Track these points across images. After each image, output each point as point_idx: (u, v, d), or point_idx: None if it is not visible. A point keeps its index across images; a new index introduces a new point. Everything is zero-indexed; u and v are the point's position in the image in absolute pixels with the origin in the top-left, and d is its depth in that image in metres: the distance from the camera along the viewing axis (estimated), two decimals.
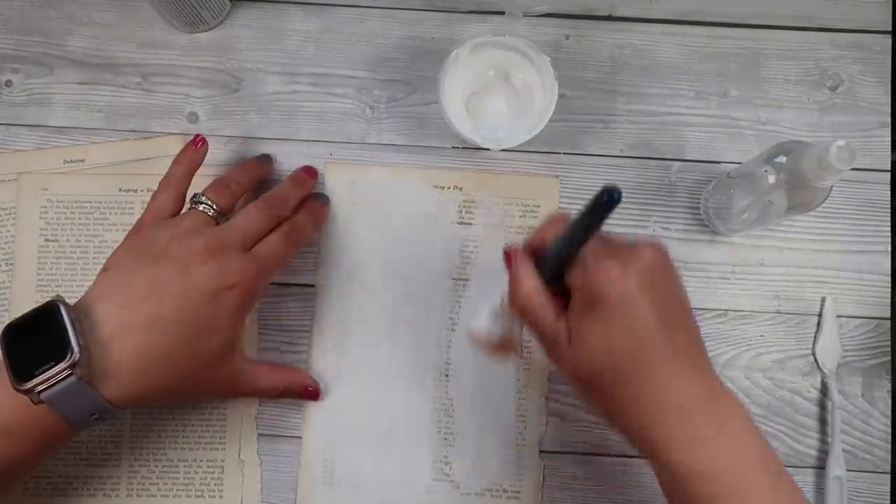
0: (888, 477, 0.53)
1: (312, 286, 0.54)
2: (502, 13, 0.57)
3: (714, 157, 0.56)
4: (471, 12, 0.57)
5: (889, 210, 0.55)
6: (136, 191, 0.54)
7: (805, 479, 0.53)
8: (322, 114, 0.56)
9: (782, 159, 0.45)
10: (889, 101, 0.57)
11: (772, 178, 0.45)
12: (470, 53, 0.46)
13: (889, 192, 0.56)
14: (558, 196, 0.55)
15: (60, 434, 0.40)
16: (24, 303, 0.53)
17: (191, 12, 0.54)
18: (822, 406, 0.53)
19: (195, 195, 0.47)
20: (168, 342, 0.41)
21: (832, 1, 0.58)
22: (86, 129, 0.56)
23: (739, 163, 0.55)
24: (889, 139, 0.56)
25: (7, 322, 0.40)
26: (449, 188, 0.55)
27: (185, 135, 0.55)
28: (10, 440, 0.39)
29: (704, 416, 0.36)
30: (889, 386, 0.54)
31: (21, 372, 0.38)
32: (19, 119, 0.56)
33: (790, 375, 0.54)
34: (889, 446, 0.53)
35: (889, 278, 0.55)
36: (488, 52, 0.48)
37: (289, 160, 0.55)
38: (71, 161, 0.55)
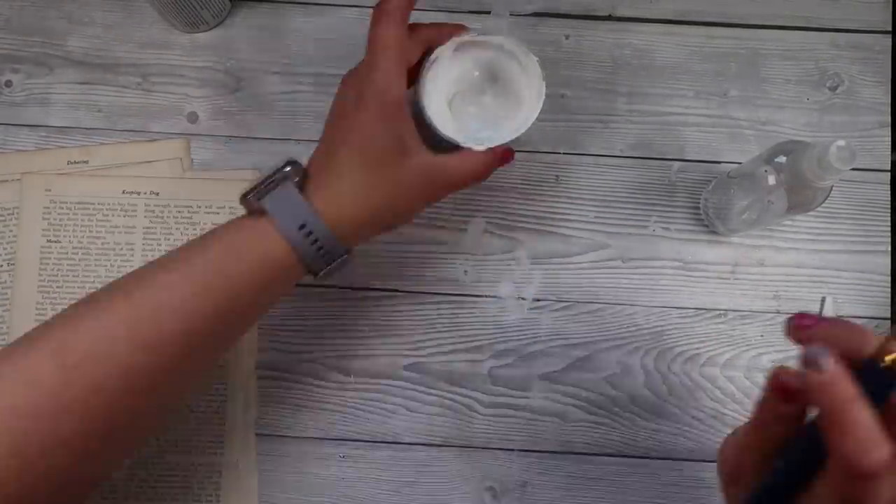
0: None
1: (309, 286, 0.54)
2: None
3: (714, 157, 0.56)
4: (471, 12, 0.57)
5: (889, 210, 0.56)
6: (139, 193, 0.54)
7: None
8: (322, 114, 0.55)
9: (782, 159, 0.45)
10: (889, 101, 0.57)
11: (772, 179, 0.45)
12: (454, 53, 0.46)
13: (889, 192, 0.56)
14: None
15: (280, 259, 0.39)
16: (26, 303, 0.53)
17: (191, 12, 0.54)
18: None
19: None
20: (345, 160, 0.41)
21: (832, 1, 0.58)
22: (86, 129, 0.56)
23: (739, 163, 0.55)
24: (889, 139, 0.56)
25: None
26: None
27: (187, 135, 0.55)
28: (241, 262, 0.39)
29: None
30: None
31: (246, 189, 0.40)
32: (19, 119, 0.56)
33: None
34: None
35: (889, 278, 0.55)
36: (474, 53, 0.48)
37: None
38: (75, 162, 0.55)
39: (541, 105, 0.45)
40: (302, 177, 0.40)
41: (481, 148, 0.43)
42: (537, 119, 0.56)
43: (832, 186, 0.43)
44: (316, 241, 0.39)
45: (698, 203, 0.55)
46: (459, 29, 0.45)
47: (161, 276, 0.38)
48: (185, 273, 0.38)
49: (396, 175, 0.41)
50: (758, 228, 0.54)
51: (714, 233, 0.55)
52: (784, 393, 0.30)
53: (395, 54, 0.40)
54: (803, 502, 0.30)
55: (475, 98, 0.48)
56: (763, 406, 0.31)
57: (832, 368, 0.28)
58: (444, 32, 0.44)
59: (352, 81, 0.42)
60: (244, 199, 0.39)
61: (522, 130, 0.46)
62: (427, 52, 0.44)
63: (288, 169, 0.39)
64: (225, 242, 0.40)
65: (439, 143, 0.42)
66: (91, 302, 0.38)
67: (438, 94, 0.46)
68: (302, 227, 0.39)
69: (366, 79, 0.40)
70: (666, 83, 0.57)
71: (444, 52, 0.45)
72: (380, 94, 0.40)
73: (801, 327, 0.31)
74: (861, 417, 0.28)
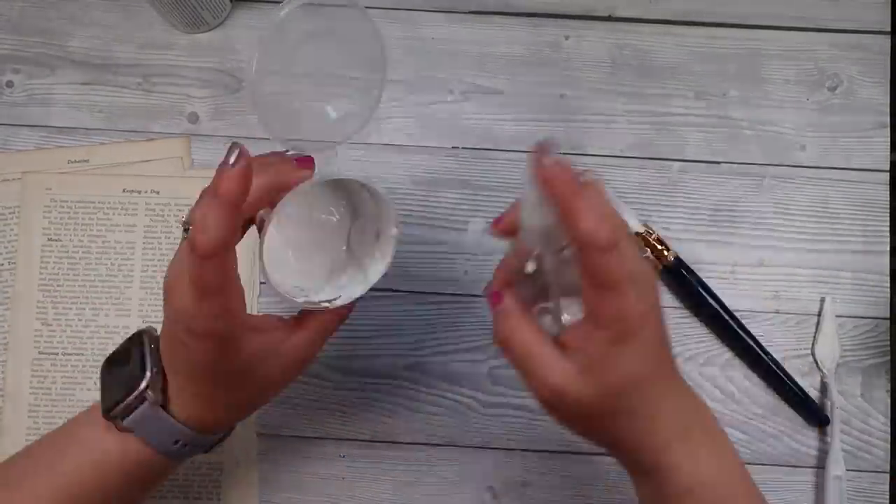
0: (887, 476, 0.53)
1: None
2: (503, 13, 0.57)
3: (714, 158, 0.56)
4: (471, 12, 0.57)
5: (888, 210, 0.56)
6: (139, 192, 0.54)
7: (805, 479, 0.53)
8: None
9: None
10: (888, 102, 0.57)
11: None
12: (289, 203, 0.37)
13: (888, 193, 0.56)
14: None
15: (153, 464, 0.40)
16: (27, 302, 0.53)
17: (191, 13, 0.54)
18: (822, 405, 0.53)
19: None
20: (190, 384, 0.40)
21: (832, 1, 0.58)
22: (87, 129, 0.56)
23: (740, 163, 0.56)
24: (888, 139, 0.56)
25: (105, 354, 0.42)
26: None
27: (188, 135, 0.55)
28: (103, 474, 0.39)
29: (699, 429, 0.36)
30: (888, 386, 0.54)
31: (108, 400, 0.39)
32: (20, 119, 0.56)
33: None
34: (888, 446, 0.53)
35: (888, 278, 0.55)
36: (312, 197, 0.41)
37: None
38: (75, 161, 0.55)
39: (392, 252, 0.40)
40: (163, 384, 0.39)
41: (321, 307, 0.39)
42: (537, 120, 0.57)
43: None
44: (188, 446, 0.40)
45: (698, 203, 0.56)
46: (290, 170, 0.39)
47: (27, 488, 0.39)
48: (52, 485, 0.39)
49: (260, 381, 0.40)
50: None
51: (714, 232, 0.55)
52: (492, 299, 0.37)
53: (222, 294, 0.35)
54: (576, 336, 0.34)
55: (328, 241, 0.42)
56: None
57: (557, 158, 0.32)
58: (279, 178, 0.38)
59: (177, 304, 0.36)
60: (107, 415, 0.38)
61: (367, 287, 0.41)
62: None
63: (147, 387, 0.38)
64: (93, 458, 0.39)
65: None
66: None
67: (280, 249, 0.40)
68: (176, 442, 0.40)
69: (194, 315, 0.35)
70: (666, 83, 0.57)
71: (282, 208, 0.37)
72: (214, 332, 0.36)
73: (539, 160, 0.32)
74: (590, 192, 0.31)
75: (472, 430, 0.53)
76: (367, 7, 0.56)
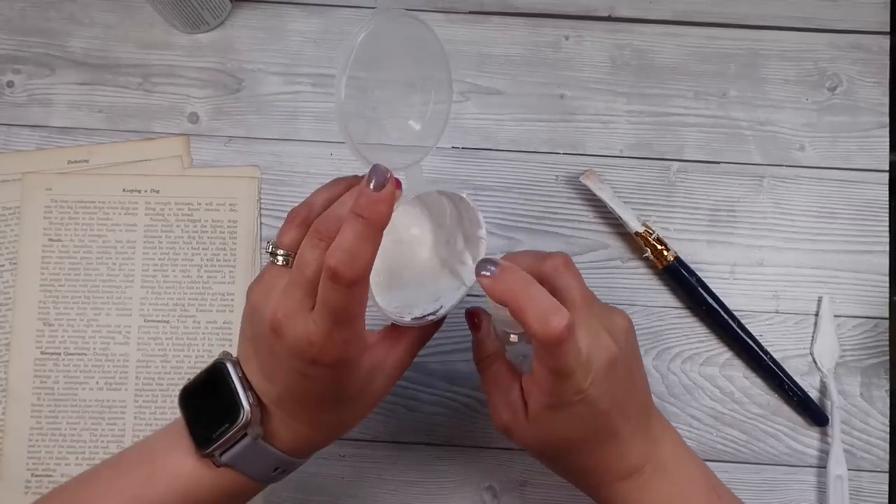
0: (887, 476, 0.53)
1: None
2: (502, 14, 0.57)
3: (713, 158, 0.56)
4: (471, 13, 0.57)
5: (888, 210, 0.56)
6: (139, 191, 0.54)
7: (805, 479, 0.53)
8: (322, 114, 0.56)
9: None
10: (888, 102, 0.57)
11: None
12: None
13: (888, 193, 0.56)
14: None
15: (246, 491, 0.40)
16: (29, 302, 0.53)
17: (191, 13, 0.54)
18: (822, 406, 0.54)
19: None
20: (292, 409, 0.39)
21: (831, 1, 0.58)
22: (87, 129, 0.56)
23: (739, 163, 0.56)
24: (888, 139, 0.56)
25: (182, 386, 0.40)
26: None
27: (188, 135, 0.55)
28: (193, 503, 0.38)
29: (651, 466, 0.39)
30: (887, 385, 0.54)
31: (200, 436, 0.37)
32: (21, 119, 0.56)
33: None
34: (888, 445, 0.53)
35: (888, 278, 0.55)
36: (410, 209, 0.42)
37: (290, 160, 0.55)
38: (75, 161, 0.55)
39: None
40: (261, 417, 0.38)
41: (407, 321, 0.39)
42: (537, 120, 0.57)
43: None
44: (285, 472, 0.40)
45: (698, 203, 0.56)
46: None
47: None
48: None
49: (366, 399, 0.40)
50: None
51: (714, 232, 0.55)
52: (473, 319, 0.41)
53: (356, 321, 0.35)
54: (528, 387, 0.38)
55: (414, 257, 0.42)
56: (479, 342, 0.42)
57: (502, 265, 0.35)
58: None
59: (296, 337, 0.35)
60: (206, 454, 0.37)
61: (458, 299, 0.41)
62: None
63: (248, 423, 0.37)
64: (185, 491, 0.38)
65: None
66: None
67: (376, 271, 0.38)
68: (276, 469, 0.39)
69: (324, 348, 0.35)
70: (665, 83, 0.57)
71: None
72: (345, 359, 0.36)
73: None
74: (535, 293, 0.34)
75: (472, 430, 0.54)
76: (367, 7, 0.57)
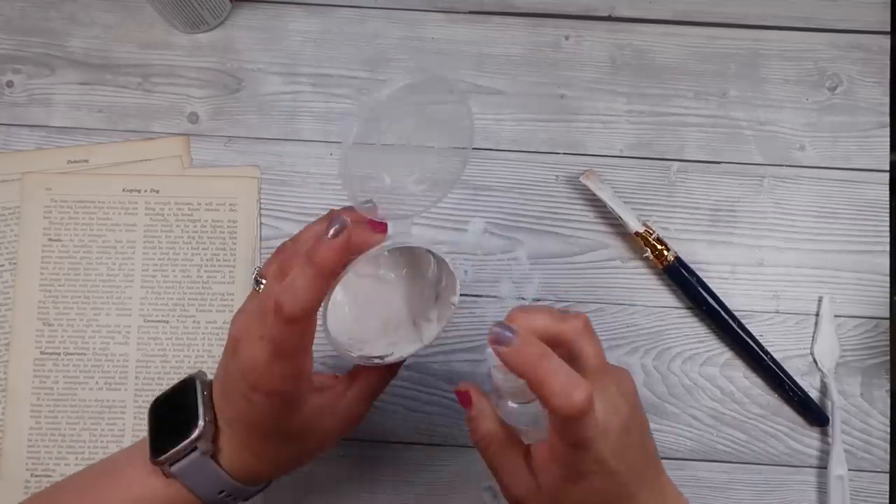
0: (887, 476, 0.53)
1: None
2: (503, 14, 0.57)
3: (713, 158, 0.56)
4: (471, 12, 0.57)
5: (888, 210, 0.56)
6: (139, 191, 0.54)
7: (805, 479, 0.53)
8: (322, 114, 0.56)
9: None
10: (888, 102, 0.57)
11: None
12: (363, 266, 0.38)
13: (888, 193, 0.56)
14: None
15: None
16: (28, 302, 0.53)
17: (191, 13, 0.54)
18: (822, 406, 0.54)
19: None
20: (246, 437, 0.40)
21: (831, 1, 0.58)
22: (87, 129, 0.56)
23: (739, 163, 0.56)
24: (888, 139, 0.56)
25: (155, 395, 0.41)
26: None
27: (188, 135, 0.55)
28: None
29: None
30: (888, 385, 0.54)
31: (157, 445, 0.39)
32: (21, 119, 0.56)
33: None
34: (888, 446, 0.53)
35: (888, 278, 0.55)
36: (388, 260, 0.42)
37: (290, 160, 0.55)
38: (75, 161, 0.55)
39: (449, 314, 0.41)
40: (214, 435, 0.39)
41: (373, 362, 0.40)
42: (537, 120, 0.57)
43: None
44: (232, 496, 0.40)
45: (698, 203, 0.56)
46: (373, 234, 0.39)
47: None
48: None
49: (314, 438, 0.40)
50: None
51: (714, 232, 0.55)
52: (463, 397, 0.38)
53: (297, 357, 0.36)
54: (541, 459, 0.35)
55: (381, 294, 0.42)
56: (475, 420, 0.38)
57: (520, 333, 0.33)
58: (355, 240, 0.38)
59: (246, 360, 0.36)
60: (155, 461, 0.38)
61: (424, 344, 0.42)
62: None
63: (200, 437, 0.38)
64: (134, 497, 0.39)
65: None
66: None
67: (341, 304, 0.41)
68: (220, 492, 0.40)
69: (263, 375, 0.36)
70: (666, 83, 0.57)
71: (350, 270, 0.38)
72: (280, 392, 0.36)
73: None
74: (555, 367, 0.32)
75: None
76: (367, 7, 0.57)
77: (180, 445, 0.38)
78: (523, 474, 0.37)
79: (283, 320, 0.33)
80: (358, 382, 0.41)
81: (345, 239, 0.33)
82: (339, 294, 0.40)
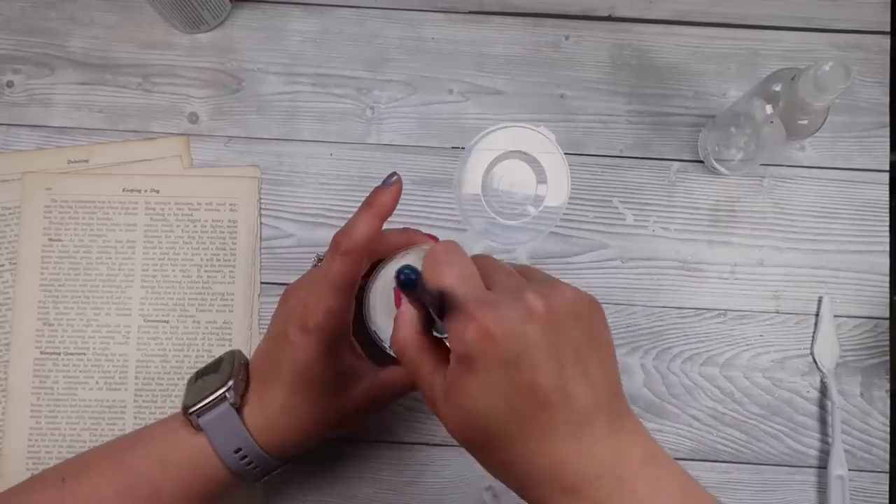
0: (887, 476, 0.53)
1: None
2: (503, 14, 0.57)
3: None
4: (471, 13, 0.57)
5: (888, 210, 0.56)
6: (139, 191, 0.54)
7: (805, 479, 0.53)
8: (322, 114, 0.56)
9: (777, 87, 0.45)
10: (888, 102, 0.57)
11: (768, 109, 0.46)
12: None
13: (888, 193, 0.56)
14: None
15: (210, 472, 0.41)
16: (28, 302, 0.53)
17: (191, 13, 0.54)
18: (822, 406, 0.54)
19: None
20: (285, 393, 0.42)
21: (831, 1, 0.58)
22: (87, 129, 0.56)
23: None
24: (888, 139, 0.56)
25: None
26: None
27: (188, 135, 0.56)
28: (164, 468, 0.41)
29: (610, 480, 0.30)
30: (888, 385, 0.54)
31: (188, 400, 0.42)
32: (20, 119, 0.56)
33: (789, 375, 0.54)
34: (888, 446, 0.53)
35: (888, 278, 0.55)
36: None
37: (290, 160, 0.55)
38: (75, 161, 0.55)
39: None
40: (243, 391, 0.42)
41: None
42: (537, 119, 0.56)
43: (829, 109, 0.45)
44: (250, 462, 0.41)
45: (698, 203, 0.56)
46: (424, 238, 0.46)
47: (94, 476, 0.41)
48: (114, 477, 0.41)
49: (339, 403, 0.42)
50: (757, 164, 0.54)
51: (714, 232, 0.55)
52: (395, 296, 0.41)
53: (345, 294, 0.40)
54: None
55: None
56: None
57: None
58: (410, 240, 0.45)
59: (296, 303, 0.41)
60: (186, 412, 0.41)
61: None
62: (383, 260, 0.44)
63: (229, 388, 0.41)
64: (159, 451, 0.42)
65: (383, 352, 0.43)
66: (37, 481, 0.42)
67: (384, 302, 0.43)
68: (237, 450, 0.41)
69: (312, 310, 0.40)
70: (666, 83, 0.57)
71: (392, 261, 0.43)
72: (325, 329, 0.40)
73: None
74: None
75: None
76: (367, 7, 0.57)
77: (211, 397, 0.41)
78: (432, 376, 0.32)
79: (339, 254, 0.39)
80: (389, 373, 0.43)
81: (397, 186, 0.40)
82: (378, 285, 0.43)
